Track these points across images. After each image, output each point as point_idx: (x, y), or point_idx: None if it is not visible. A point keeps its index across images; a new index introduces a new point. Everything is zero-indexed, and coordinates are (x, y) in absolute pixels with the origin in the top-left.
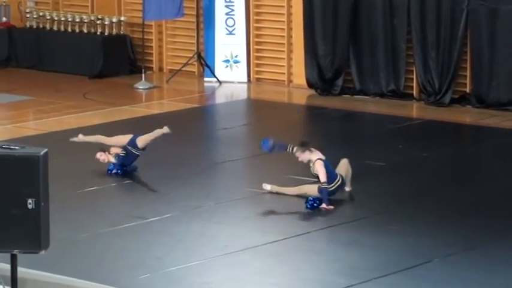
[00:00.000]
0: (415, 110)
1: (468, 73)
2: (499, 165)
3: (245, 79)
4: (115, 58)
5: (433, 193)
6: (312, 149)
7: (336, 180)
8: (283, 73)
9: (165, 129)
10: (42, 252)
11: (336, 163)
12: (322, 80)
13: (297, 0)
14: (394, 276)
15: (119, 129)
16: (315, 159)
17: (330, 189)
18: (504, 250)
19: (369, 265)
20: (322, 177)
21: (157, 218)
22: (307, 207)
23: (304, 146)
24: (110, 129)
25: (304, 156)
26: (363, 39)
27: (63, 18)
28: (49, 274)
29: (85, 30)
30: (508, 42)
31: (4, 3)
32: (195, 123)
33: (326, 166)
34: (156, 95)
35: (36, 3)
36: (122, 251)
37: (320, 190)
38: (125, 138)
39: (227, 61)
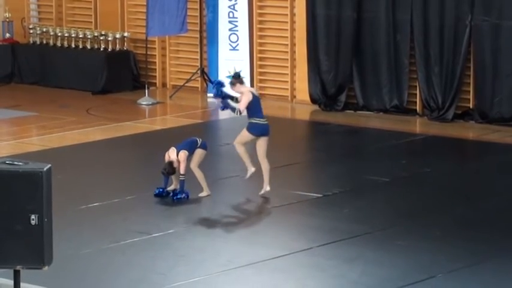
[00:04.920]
0: (418, 126)
1: (471, 88)
2: (502, 180)
3: None
4: (118, 74)
5: (437, 208)
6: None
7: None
8: (287, 89)
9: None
10: (45, 268)
11: (338, 178)
12: (325, 95)
13: (300, 16)
14: None
15: (122, 145)
16: (246, 90)
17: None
18: (508, 265)
19: (373, 280)
20: (242, 104)
21: (160, 234)
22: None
23: (238, 78)
24: (113, 145)
25: (236, 88)
26: (366, 54)
27: (66, 34)
28: None
29: (88, 46)
30: (511, 58)
31: (8, 20)
32: None
33: (254, 101)
34: (159, 110)
35: (40, 19)
36: (125, 266)
37: (227, 106)
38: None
39: (230, 77)
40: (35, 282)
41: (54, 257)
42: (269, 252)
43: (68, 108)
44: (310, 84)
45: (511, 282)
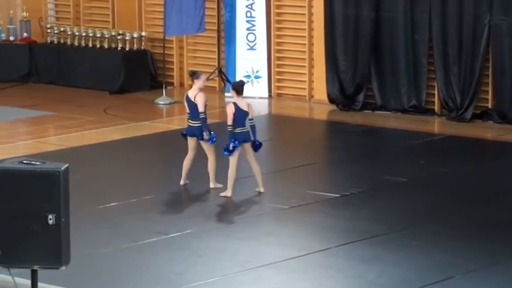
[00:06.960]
0: (436, 126)
1: (490, 88)
2: None
3: (266, 94)
4: (136, 73)
5: (455, 209)
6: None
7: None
8: (305, 88)
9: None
10: (63, 267)
11: (355, 178)
12: (343, 95)
13: (318, 16)
14: None
15: (139, 145)
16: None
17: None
18: None
19: (390, 281)
20: (229, 120)
21: (178, 234)
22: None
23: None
24: (131, 144)
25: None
26: (384, 54)
27: (84, 34)
28: None
29: (106, 46)
30: None
31: (25, 19)
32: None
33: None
34: (176, 110)
35: (57, 18)
36: (142, 266)
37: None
38: None
39: (248, 76)
40: (52, 282)
41: (71, 257)
42: (287, 252)
43: (84, 107)
44: (328, 83)
45: None
